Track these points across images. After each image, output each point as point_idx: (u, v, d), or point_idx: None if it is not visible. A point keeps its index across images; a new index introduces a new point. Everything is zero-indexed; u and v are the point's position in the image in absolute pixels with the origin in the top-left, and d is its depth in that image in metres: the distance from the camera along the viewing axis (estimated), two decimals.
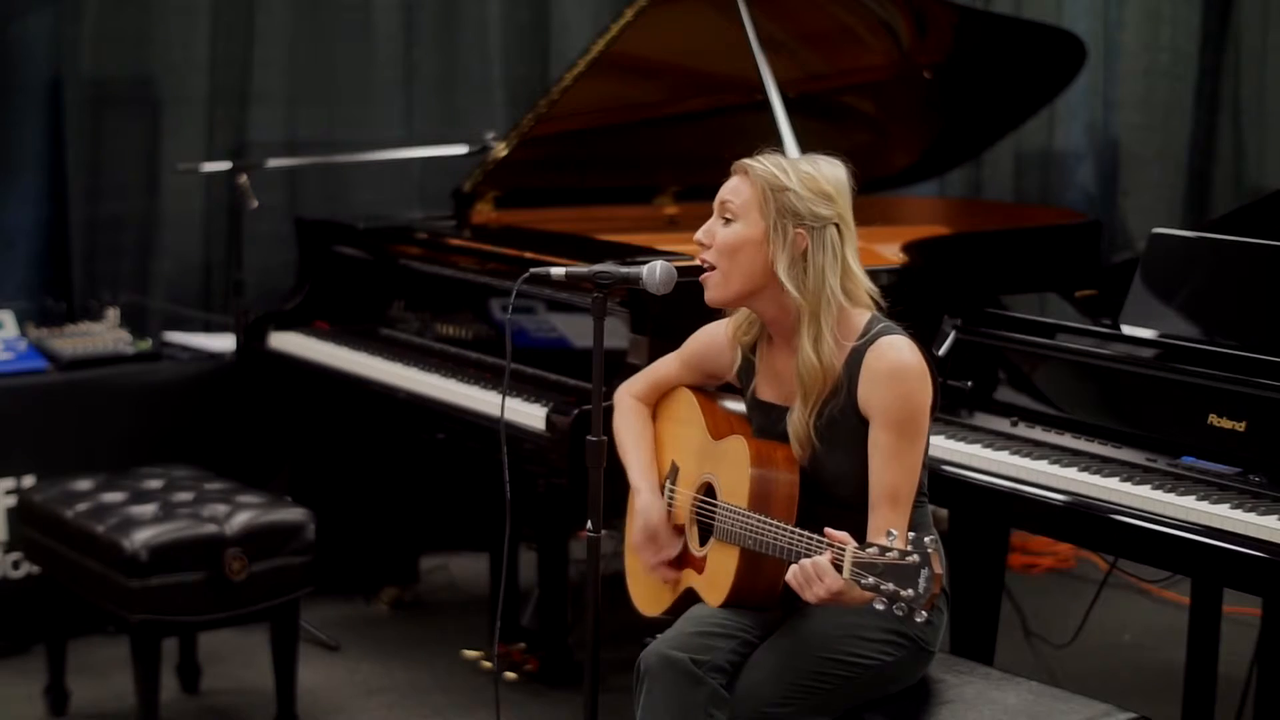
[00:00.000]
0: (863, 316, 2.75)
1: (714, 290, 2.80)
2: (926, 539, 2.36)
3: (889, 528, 2.60)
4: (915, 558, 2.34)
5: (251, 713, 4.01)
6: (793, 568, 2.53)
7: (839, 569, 2.43)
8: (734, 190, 2.77)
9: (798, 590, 2.53)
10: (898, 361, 2.68)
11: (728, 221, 2.77)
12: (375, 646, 4.45)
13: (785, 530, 2.62)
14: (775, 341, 2.86)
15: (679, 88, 4.67)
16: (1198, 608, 3.54)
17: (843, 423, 2.72)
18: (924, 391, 2.69)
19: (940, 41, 4.71)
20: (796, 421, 2.75)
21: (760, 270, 2.75)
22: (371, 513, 4.84)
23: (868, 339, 2.71)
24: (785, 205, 2.72)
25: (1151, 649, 4.54)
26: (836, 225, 2.75)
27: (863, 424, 2.70)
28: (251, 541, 3.68)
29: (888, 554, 2.37)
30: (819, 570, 2.47)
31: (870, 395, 2.68)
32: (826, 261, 2.73)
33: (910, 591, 2.34)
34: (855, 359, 2.71)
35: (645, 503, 2.94)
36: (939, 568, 2.34)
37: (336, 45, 5.21)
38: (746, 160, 2.78)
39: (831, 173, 2.77)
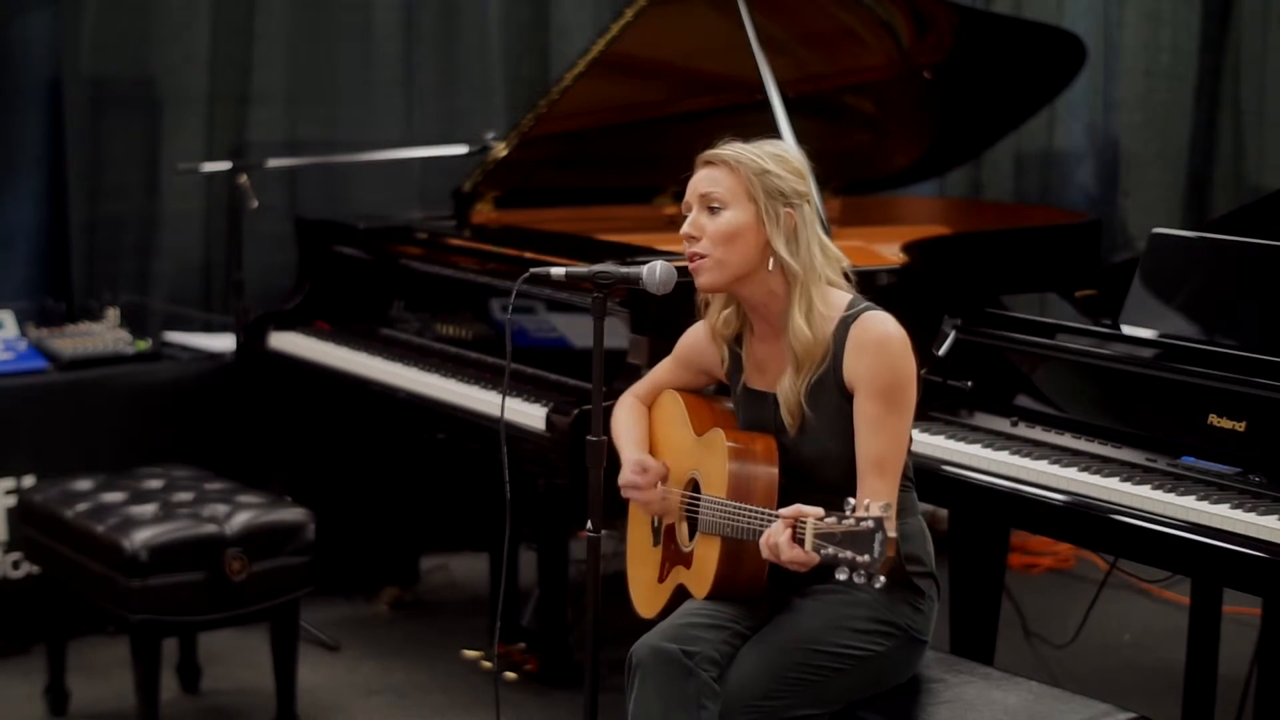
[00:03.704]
0: (845, 295, 2.81)
1: (709, 275, 2.81)
2: (880, 504, 2.41)
3: (874, 496, 2.64)
4: (869, 523, 2.39)
5: (251, 713, 4.01)
6: (762, 545, 2.57)
7: (801, 542, 2.48)
8: (713, 180, 2.79)
9: (775, 561, 2.57)
10: (882, 332, 2.73)
11: (714, 211, 2.78)
12: (375, 646, 4.45)
13: (757, 513, 2.66)
14: (758, 331, 2.89)
15: (679, 88, 4.67)
16: (1198, 608, 3.54)
17: (827, 395, 2.76)
18: (908, 363, 2.73)
19: (940, 41, 4.71)
20: (787, 390, 2.78)
21: (755, 253, 2.78)
22: (371, 513, 4.84)
23: (854, 313, 2.76)
24: (771, 186, 2.77)
25: (1151, 649, 4.54)
26: (808, 201, 2.81)
27: (846, 401, 2.74)
28: (251, 541, 3.68)
29: (844, 521, 2.42)
30: (777, 546, 2.52)
31: (855, 365, 2.73)
32: (811, 235, 2.80)
33: (866, 557, 2.38)
34: (841, 331, 2.75)
35: (631, 452, 2.99)
36: (892, 531, 2.38)
37: (336, 45, 5.22)
38: (718, 151, 2.81)
39: (795, 152, 2.86)
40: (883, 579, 2.38)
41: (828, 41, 4.66)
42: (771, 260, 2.77)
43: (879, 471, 2.69)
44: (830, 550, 2.42)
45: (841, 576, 2.41)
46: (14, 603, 4.30)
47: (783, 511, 2.54)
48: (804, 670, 2.72)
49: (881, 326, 2.74)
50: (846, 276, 2.85)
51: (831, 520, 2.44)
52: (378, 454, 4.82)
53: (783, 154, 2.82)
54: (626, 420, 3.08)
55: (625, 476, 2.96)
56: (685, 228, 2.81)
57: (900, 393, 2.72)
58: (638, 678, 2.73)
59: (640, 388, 3.14)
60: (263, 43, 5.10)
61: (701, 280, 2.82)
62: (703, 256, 2.79)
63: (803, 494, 2.75)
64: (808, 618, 2.76)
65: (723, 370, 2.99)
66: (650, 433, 3.09)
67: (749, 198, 2.77)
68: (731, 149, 2.80)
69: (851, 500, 2.45)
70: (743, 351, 2.93)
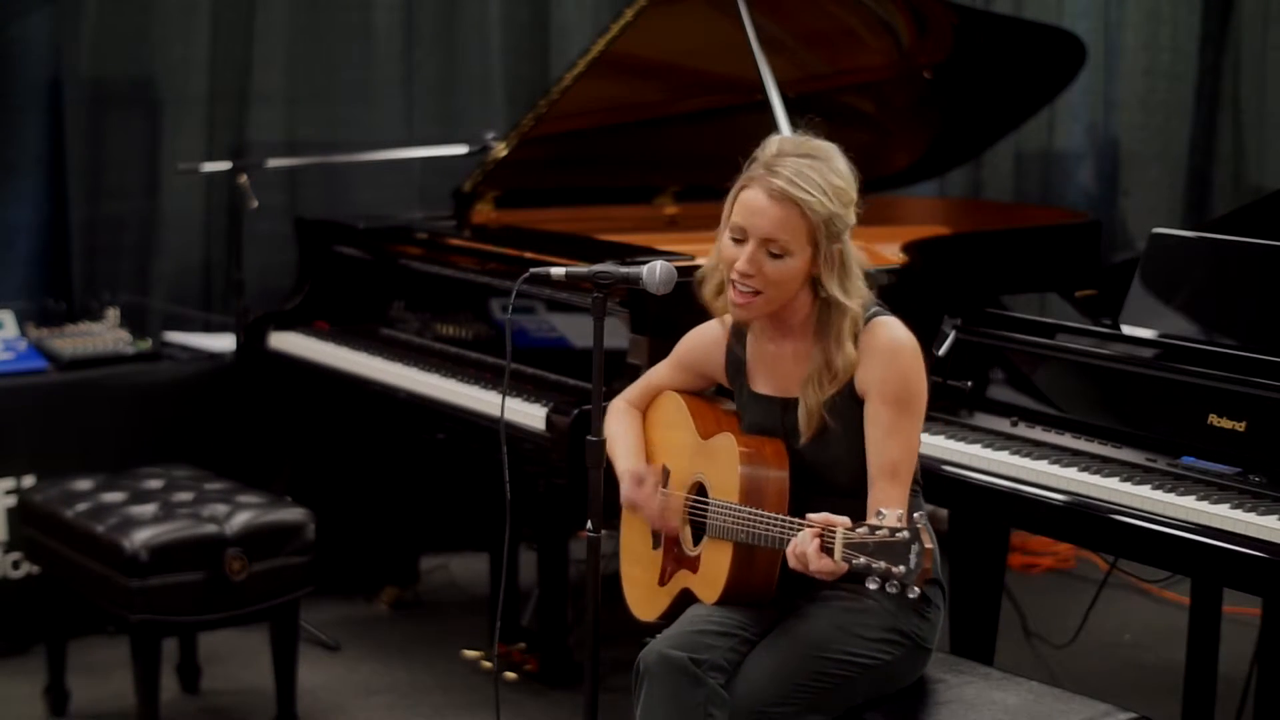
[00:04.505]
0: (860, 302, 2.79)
1: (756, 311, 2.78)
2: (915, 514, 2.41)
3: (887, 502, 2.64)
4: (905, 534, 2.38)
5: (251, 713, 4.01)
6: (789, 555, 2.56)
7: (830, 552, 2.47)
8: (783, 226, 2.70)
9: (803, 571, 2.55)
10: (893, 339, 2.73)
11: (775, 255, 2.72)
12: (375, 646, 4.45)
13: (776, 520, 2.65)
14: (768, 333, 2.87)
15: (679, 88, 4.67)
16: (1198, 608, 3.54)
17: (842, 403, 2.75)
18: (919, 368, 2.74)
19: (940, 41, 4.71)
20: (811, 400, 2.76)
21: (799, 286, 2.76)
22: (371, 513, 4.84)
23: (865, 317, 2.75)
24: (833, 230, 2.73)
25: (1151, 649, 4.54)
26: (850, 227, 2.79)
27: (858, 406, 2.74)
28: (251, 541, 3.69)
29: (877, 532, 2.41)
30: (806, 555, 2.51)
31: (868, 372, 2.72)
32: (851, 260, 2.77)
33: (901, 568, 2.37)
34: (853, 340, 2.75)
35: (626, 462, 2.96)
36: (929, 543, 2.37)
37: (336, 45, 5.21)
38: (787, 189, 2.69)
39: (848, 174, 2.77)
40: (917, 590, 2.37)
41: (828, 41, 4.66)
42: (809, 285, 2.76)
43: (891, 477, 2.69)
44: (862, 560, 2.40)
45: (873, 586, 2.40)
46: (14, 603, 4.30)
47: (812, 517, 2.52)
48: (812, 677, 2.71)
49: (892, 333, 2.74)
50: (867, 275, 2.82)
51: (863, 530, 2.42)
52: (378, 454, 4.82)
53: (841, 184, 2.74)
54: (618, 428, 3.05)
55: (625, 493, 2.94)
56: (743, 263, 2.71)
57: (912, 399, 2.72)
58: (645, 685, 2.73)
59: (632, 393, 3.13)
60: (263, 43, 5.09)
61: (749, 315, 2.79)
62: (755, 293, 2.74)
63: (811, 497, 2.75)
64: (816, 625, 2.75)
65: (725, 374, 2.98)
66: (647, 436, 3.08)
67: (810, 242, 2.72)
68: (804, 188, 2.69)
69: (883, 510, 2.44)
70: (747, 351, 2.92)
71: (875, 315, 2.77)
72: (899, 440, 2.70)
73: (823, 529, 2.49)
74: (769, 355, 2.88)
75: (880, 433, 2.70)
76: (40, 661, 4.03)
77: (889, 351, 2.72)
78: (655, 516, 2.94)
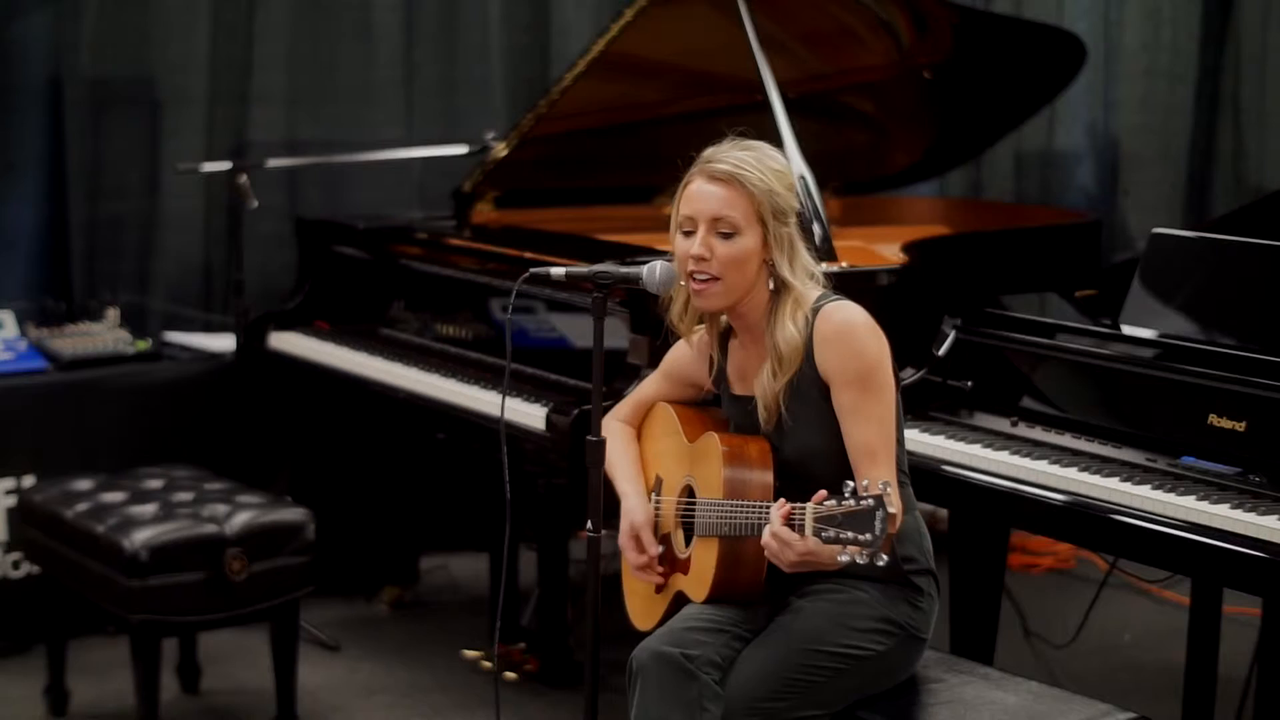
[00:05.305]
0: (813, 291, 2.82)
1: (716, 300, 2.82)
2: (881, 482, 2.43)
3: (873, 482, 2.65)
4: (869, 501, 2.41)
5: (251, 713, 4.01)
6: (764, 540, 2.59)
7: (801, 530, 2.51)
8: (728, 204, 2.77)
9: (776, 557, 2.59)
10: (845, 321, 2.75)
11: (726, 236, 2.77)
12: (375, 646, 4.45)
13: (752, 506, 2.67)
14: (740, 336, 2.90)
15: (679, 88, 4.67)
16: (1198, 608, 3.54)
17: (805, 393, 2.77)
18: (877, 345, 2.75)
19: (940, 41, 4.71)
20: (765, 388, 2.79)
21: (755, 272, 2.80)
22: (371, 513, 4.84)
23: (817, 306, 2.79)
24: (778, 209, 2.78)
25: (1151, 649, 4.54)
26: (796, 212, 2.83)
27: (824, 397, 2.76)
28: (251, 541, 3.68)
29: (844, 503, 2.44)
30: (780, 535, 2.55)
31: (825, 357, 2.74)
32: (799, 246, 2.81)
33: (867, 535, 2.40)
34: (809, 327, 2.78)
35: (630, 505, 2.98)
36: (893, 507, 2.39)
37: (336, 45, 5.22)
38: (730, 170, 2.77)
39: (784, 161, 2.85)
40: (885, 557, 2.40)
41: (828, 41, 4.66)
42: (765, 275, 2.79)
43: (870, 459, 2.70)
44: (831, 532, 2.44)
45: (844, 559, 2.43)
46: (14, 603, 4.30)
47: (812, 497, 2.55)
48: (805, 671, 2.72)
49: (843, 314, 2.76)
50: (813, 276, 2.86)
51: (831, 503, 2.46)
52: (378, 454, 4.82)
53: (780, 168, 2.82)
54: (617, 449, 3.05)
55: (623, 543, 2.95)
56: (696, 248, 2.77)
57: (874, 376, 2.73)
58: (639, 682, 2.73)
59: (623, 410, 3.14)
60: (263, 43, 5.10)
61: (709, 304, 2.83)
62: (712, 279, 2.78)
63: (793, 493, 2.75)
64: (808, 618, 2.76)
65: (711, 380, 2.99)
66: (640, 450, 3.09)
67: (759, 221, 2.77)
68: (742, 167, 2.77)
69: (851, 482, 2.48)
70: (726, 359, 2.95)
71: (827, 302, 2.79)
72: (870, 421, 2.72)
73: (791, 508, 2.54)
74: (742, 357, 2.91)
75: (849, 417, 2.73)
76: (40, 661, 4.03)
77: (841, 333, 2.74)
78: (639, 568, 2.97)
